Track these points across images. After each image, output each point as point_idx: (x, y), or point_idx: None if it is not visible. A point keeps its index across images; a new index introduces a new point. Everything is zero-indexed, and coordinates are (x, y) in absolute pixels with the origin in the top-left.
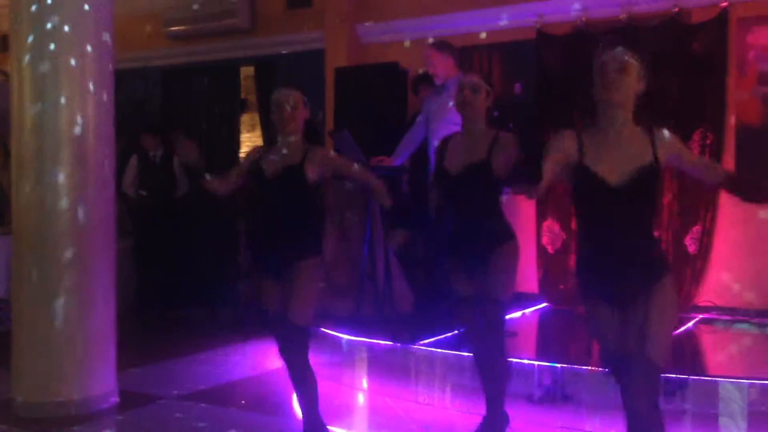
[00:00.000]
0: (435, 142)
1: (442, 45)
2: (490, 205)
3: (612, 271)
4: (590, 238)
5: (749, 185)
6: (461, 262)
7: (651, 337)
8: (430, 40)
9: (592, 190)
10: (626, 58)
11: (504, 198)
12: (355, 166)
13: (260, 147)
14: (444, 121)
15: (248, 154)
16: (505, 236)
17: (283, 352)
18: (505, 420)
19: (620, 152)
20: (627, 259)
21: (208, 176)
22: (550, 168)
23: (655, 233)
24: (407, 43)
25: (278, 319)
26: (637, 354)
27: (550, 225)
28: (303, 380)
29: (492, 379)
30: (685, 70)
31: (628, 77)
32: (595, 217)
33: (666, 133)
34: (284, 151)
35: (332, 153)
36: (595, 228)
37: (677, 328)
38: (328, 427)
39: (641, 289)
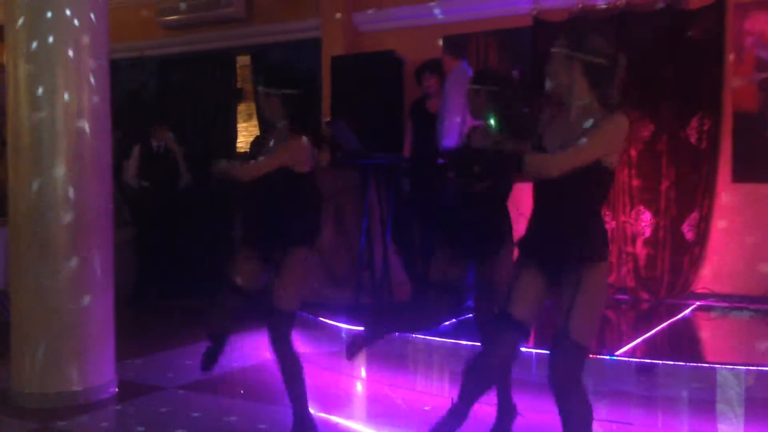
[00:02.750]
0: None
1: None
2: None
3: (552, 238)
4: (536, 196)
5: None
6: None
7: (579, 323)
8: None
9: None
10: (553, 49)
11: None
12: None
13: (258, 136)
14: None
15: (251, 143)
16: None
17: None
18: (514, 410)
19: (564, 129)
20: (567, 230)
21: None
22: None
23: (603, 217)
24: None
25: (250, 297)
26: (563, 336)
27: None
28: (286, 368)
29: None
30: (682, 57)
31: (555, 67)
32: (537, 188)
33: (614, 115)
34: (274, 137)
35: (292, 144)
36: (540, 189)
37: (603, 312)
38: (333, 417)
39: (575, 268)
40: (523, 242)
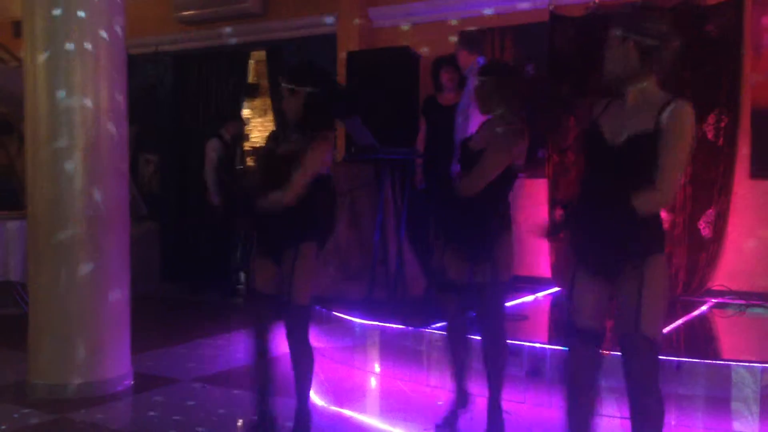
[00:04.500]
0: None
1: (472, 44)
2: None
3: (607, 235)
4: (586, 197)
5: None
6: (459, 246)
7: (649, 316)
8: (454, 39)
9: (594, 148)
10: (615, 30)
11: (516, 182)
12: (306, 159)
13: (275, 131)
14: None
15: (268, 137)
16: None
17: (286, 335)
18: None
19: (625, 116)
20: (621, 221)
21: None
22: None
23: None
24: (406, 26)
25: (273, 300)
26: (636, 334)
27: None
28: (300, 361)
29: (494, 364)
30: (699, 53)
31: (610, 52)
32: (593, 176)
33: (679, 107)
34: (293, 131)
35: (318, 145)
36: (591, 188)
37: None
38: (346, 411)
39: (634, 262)
40: (573, 247)
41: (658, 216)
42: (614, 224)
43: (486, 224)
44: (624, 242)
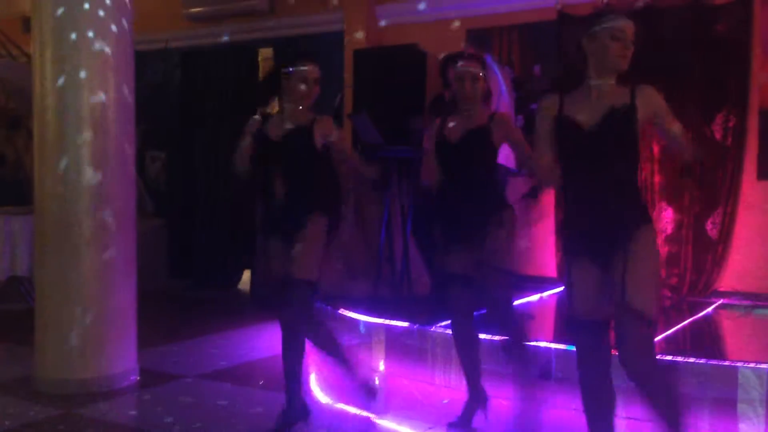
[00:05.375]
0: None
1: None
2: (484, 175)
3: (590, 220)
4: (569, 188)
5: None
6: (456, 236)
7: (635, 288)
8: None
9: (568, 135)
10: (630, 28)
11: (523, 180)
12: (345, 140)
13: (259, 116)
14: None
15: (249, 123)
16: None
17: (282, 311)
18: (485, 398)
19: (597, 101)
20: (604, 205)
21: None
22: (545, 137)
23: (639, 188)
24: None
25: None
26: (623, 308)
27: None
28: (294, 346)
29: (470, 357)
30: (707, 52)
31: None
32: (572, 165)
33: (649, 89)
34: (291, 116)
35: (334, 124)
36: (573, 176)
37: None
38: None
39: (620, 238)
40: (565, 238)
41: (637, 188)
42: (601, 205)
43: (481, 212)
44: (613, 220)
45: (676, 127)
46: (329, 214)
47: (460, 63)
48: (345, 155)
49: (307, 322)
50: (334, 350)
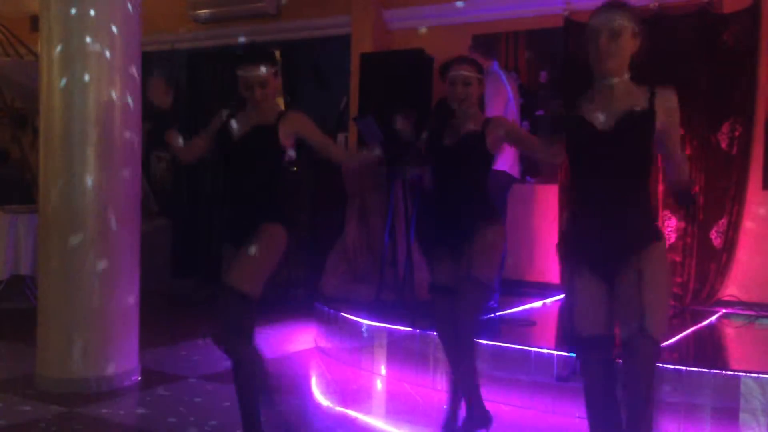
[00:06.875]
0: None
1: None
2: (474, 180)
3: (599, 228)
4: (578, 188)
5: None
6: (441, 240)
7: (651, 311)
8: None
9: (581, 136)
10: (617, 20)
11: (527, 186)
12: (320, 133)
13: (227, 109)
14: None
15: (215, 117)
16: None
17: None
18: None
19: (612, 101)
20: (615, 213)
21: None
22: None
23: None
24: (423, 30)
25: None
26: (634, 331)
27: None
28: (241, 369)
29: (458, 364)
30: (714, 61)
31: (621, 41)
32: (583, 166)
33: (670, 93)
34: (256, 112)
35: (305, 117)
36: (584, 178)
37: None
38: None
39: (629, 254)
40: (568, 249)
41: (649, 203)
42: (608, 221)
43: (465, 218)
44: (624, 232)
45: (677, 145)
46: (283, 222)
47: (452, 67)
48: (326, 150)
49: (240, 343)
50: (252, 393)
